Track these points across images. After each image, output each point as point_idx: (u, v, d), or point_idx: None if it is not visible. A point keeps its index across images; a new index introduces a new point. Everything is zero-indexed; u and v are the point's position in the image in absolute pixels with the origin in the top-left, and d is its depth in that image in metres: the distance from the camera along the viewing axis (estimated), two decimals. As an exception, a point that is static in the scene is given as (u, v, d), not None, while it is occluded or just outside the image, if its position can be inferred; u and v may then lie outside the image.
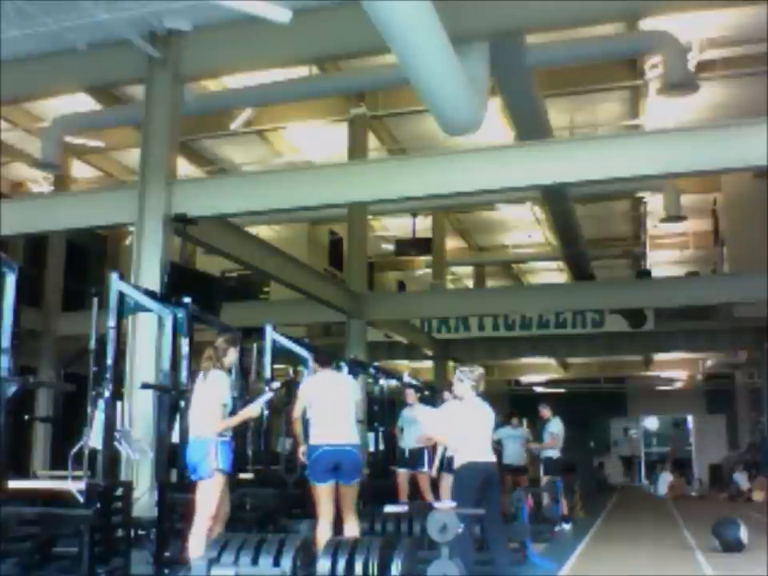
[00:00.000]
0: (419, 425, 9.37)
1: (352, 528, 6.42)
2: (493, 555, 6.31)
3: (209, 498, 5.60)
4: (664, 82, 12.67)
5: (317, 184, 10.00)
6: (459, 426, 6.35)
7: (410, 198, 10.57)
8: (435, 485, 9.80)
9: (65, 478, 5.96)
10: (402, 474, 10.19)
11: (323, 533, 6.22)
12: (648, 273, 22.59)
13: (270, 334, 8.79)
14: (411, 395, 10.32)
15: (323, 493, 6.27)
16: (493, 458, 6.40)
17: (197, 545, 5.52)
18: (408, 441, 10.14)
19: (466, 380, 6.45)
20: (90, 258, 21.63)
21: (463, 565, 5.55)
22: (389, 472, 10.69)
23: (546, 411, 11.98)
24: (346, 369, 8.99)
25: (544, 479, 11.63)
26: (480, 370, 6.60)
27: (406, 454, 10.20)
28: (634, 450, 33.06)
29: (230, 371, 6.09)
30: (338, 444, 6.29)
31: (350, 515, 6.43)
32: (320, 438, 6.31)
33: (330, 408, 6.43)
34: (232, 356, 5.89)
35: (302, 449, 6.65)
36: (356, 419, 6.67)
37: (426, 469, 9.97)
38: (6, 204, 11.30)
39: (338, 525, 6.46)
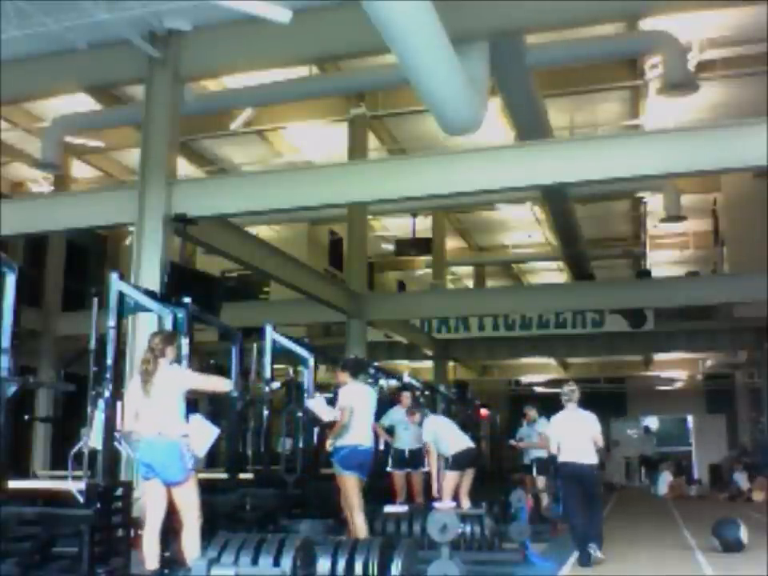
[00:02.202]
0: (414, 426, 9.75)
1: (360, 526, 7.09)
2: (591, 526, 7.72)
3: (194, 498, 5.58)
4: (664, 81, 12.69)
5: (317, 184, 10.01)
6: (559, 432, 7.88)
7: (410, 198, 10.59)
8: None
9: (65, 477, 5.95)
10: (398, 474, 10.21)
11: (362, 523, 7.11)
12: (648, 273, 22.60)
13: (270, 334, 8.78)
14: (406, 398, 10.35)
15: (354, 484, 7.18)
16: (588, 460, 7.67)
17: (193, 546, 5.49)
18: (407, 441, 10.21)
19: (562, 394, 7.92)
20: (90, 257, 21.63)
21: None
22: (384, 473, 10.68)
23: (532, 413, 12.06)
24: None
25: (539, 480, 11.62)
26: (569, 386, 8.03)
27: (406, 454, 10.22)
28: (654, 449, 32.20)
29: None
30: (366, 445, 7.32)
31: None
32: (354, 440, 7.22)
33: (363, 414, 7.37)
34: (170, 355, 5.77)
35: (329, 442, 7.37)
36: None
37: (424, 468, 9.99)
38: (5, 204, 11.31)
39: (345, 523, 7.27)
